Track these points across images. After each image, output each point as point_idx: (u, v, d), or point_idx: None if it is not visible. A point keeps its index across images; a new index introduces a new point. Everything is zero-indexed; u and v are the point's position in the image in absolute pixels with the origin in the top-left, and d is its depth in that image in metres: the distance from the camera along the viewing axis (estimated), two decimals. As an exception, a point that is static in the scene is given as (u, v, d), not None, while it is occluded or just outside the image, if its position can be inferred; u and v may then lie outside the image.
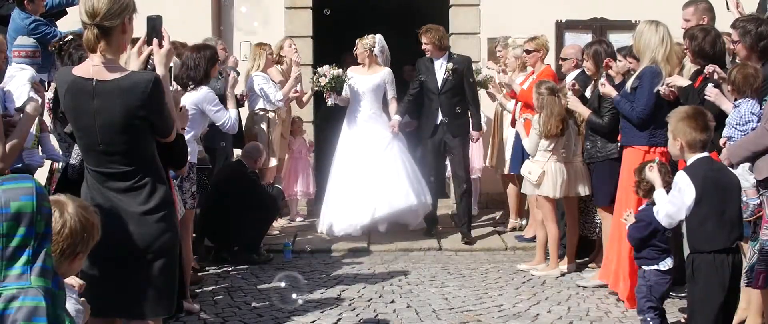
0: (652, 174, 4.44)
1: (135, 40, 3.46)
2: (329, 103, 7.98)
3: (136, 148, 3.28)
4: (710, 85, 4.91)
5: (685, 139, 4.02)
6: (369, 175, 7.71)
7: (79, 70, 3.27)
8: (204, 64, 5.75)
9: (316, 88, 7.88)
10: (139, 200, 3.27)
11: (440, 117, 7.66)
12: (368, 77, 7.98)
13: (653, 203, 4.57)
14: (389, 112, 8.06)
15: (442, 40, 7.69)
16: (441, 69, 7.65)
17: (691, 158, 4.05)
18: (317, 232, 7.99)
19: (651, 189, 4.60)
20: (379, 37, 7.99)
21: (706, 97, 4.90)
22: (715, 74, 4.91)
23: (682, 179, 3.99)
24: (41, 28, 6.72)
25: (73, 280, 2.74)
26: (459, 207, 7.86)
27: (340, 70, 7.83)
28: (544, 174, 6.37)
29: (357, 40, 7.97)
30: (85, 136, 3.31)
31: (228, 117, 5.93)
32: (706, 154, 4.05)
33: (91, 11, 3.14)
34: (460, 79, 7.61)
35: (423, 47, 7.66)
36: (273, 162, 7.87)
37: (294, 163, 8.73)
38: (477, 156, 8.50)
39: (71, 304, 2.51)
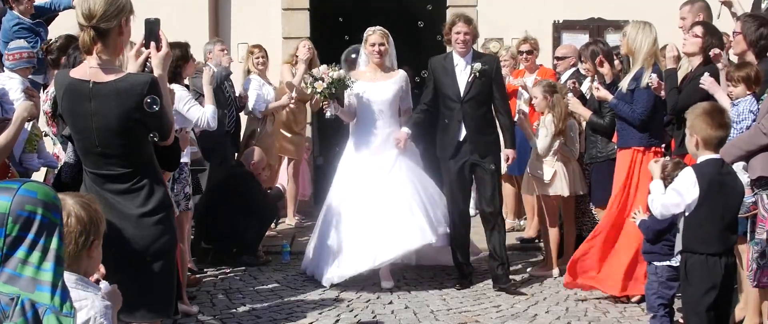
0: (655, 166, 4.39)
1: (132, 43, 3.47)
2: (328, 114, 6.37)
3: (134, 151, 3.28)
4: (706, 74, 4.94)
5: (701, 135, 3.99)
6: (370, 210, 6.11)
7: (76, 72, 3.27)
8: (173, 62, 5.57)
9: (315, 95, 6.24)
10: (137, 202, 3.27)
11: (464, 132, 6.09)
12: (384, 85, 6.26)
13: None
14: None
15: (477, 33, 6.31)
16: (465, 70, 6.06)
17: (702, 157, 4.02)
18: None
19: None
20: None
21: (700, 85, 4.92)
22: (720, 59, 4.94)
23: (688, 176, 3.97)
24: (22, 34, 6.73)
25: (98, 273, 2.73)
26: (490, 246, 6.22)
27: (342, 71, 6.19)
28: (556, 174, 6.37)
29: (368, 33, 6.31)
30: (82, 139, 3.32)
31: (201, 113, 5.65)
32: (717, 156, 4.03)
33: (87, 13, 3.14)
34: (488, 84, 6.05)
35: (459, 39, 6.02)
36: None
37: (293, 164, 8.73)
38: None
39: (99, 302, 2.50)
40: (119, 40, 3.24)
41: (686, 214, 4.00)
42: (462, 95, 6.03)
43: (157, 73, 3.35)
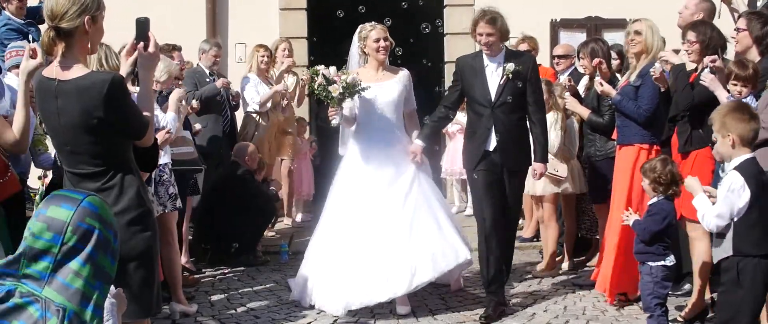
0: (693, 182, 4.26)
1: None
2: (335, 122, 5.63)
3: (103, 149, 3.25)
4: (706, 70, 4.94)
5: (737, 132, 3.91)
6: (393, 228, 5.46)
7: (46, 71, 3.28)
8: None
9: (326, 101, 5.56)
10: (108, 202, 3.21)
11: (494, 141, 5.42)
12: (388, 84, 5.62)
13: (669, 198, 4.69)
14: (408, 130, 5.85)
15: (507, 31, 5.53)
16: (497, 71, 5.40)
17: (739, 158, 3.93)
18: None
19: (669, 184, 4.67)
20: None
21: (701, 82, 4.92)
22: (715, 63, 4.94)
23: (736, 180, 3.89)
24: (11, 35, 6.74)
25: None
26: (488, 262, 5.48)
27: (355, 75, 5.47)
28: (569, 171, 6.37)
29: (368, 29, 5.67)
30: (54, 137, 3.35)
31: (161, 119, 5.30)
32: (752, 154, 3.98)
33: (50, 13, 3.15)
34: (522, 87, 5.39)
35: (482, 41, 5.41)
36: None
37: (297, 164, 8.75)
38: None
39: (107, 301, 2.53)
40: (86, 38, 3.21)
41: (735, 218, 3.92)
42: (493, 100, 5.37)
43: (141, 73, 3.34)
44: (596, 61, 6.01)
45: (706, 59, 4.99)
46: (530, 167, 5.58)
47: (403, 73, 5.72)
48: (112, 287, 2.65)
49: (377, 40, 5.60)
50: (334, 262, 5.49)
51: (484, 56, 5.45)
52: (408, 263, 5.31)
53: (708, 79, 4.88)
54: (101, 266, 2.07)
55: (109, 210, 2.11)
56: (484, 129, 5.42)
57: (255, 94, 7.80)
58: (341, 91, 5.37)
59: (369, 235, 5.44)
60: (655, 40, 5.46)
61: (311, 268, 5.63)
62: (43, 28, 7.24)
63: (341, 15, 6.84)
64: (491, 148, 5.39)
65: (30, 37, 7.02)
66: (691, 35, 5.20)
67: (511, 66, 5.33)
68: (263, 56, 7.95)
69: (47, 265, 2.00)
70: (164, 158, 5.39)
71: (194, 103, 6.53)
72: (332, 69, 5.49)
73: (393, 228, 5.43)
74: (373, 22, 5.71)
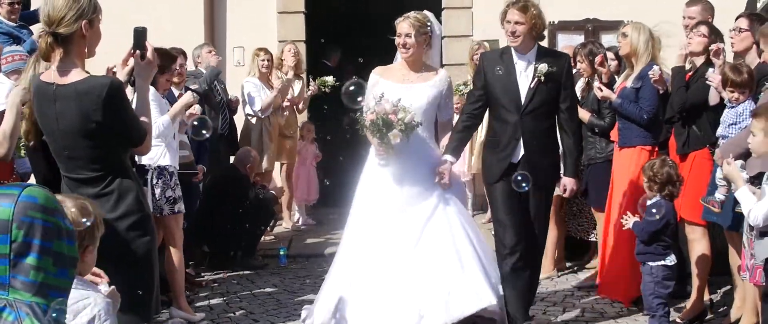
0: (733, 171, 4.15)
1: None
2: (383, 163, 4.81)
3: (101, 154, 3.26)
4: (711, 70, 4.96)
5: None
6: (411, 260, 4.75)
7: (44, 75, 3.29)
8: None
9: (381, 145, 4.64)
10: (107, 207, 3.24)
11: (521, 152, 4.72)
12: (416, 88, 4.82)
13: (669, 197, 4.69)
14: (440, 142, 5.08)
15: (541, 24, 4.78)
16: (527, 72, 4.70)
17: None
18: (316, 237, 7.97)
19: (665, 183, 4.67)
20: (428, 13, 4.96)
21: (708, 82, 4.94)
22: (721, 53, 4.97)
23: None
24: (0, 38, 6.73)
25: (93, 277, 2.75)
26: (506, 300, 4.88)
27: (409, 113, 4.57)
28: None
29: (398, 22, 4.86)
30: (52, 142, 3.35)
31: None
32: None
33: (47, 19, 3.16)
34: (555, 91, 4.71)
35: (508, 30, 4.68)
36: (265, 165, 7.87)
37: (299, 168, 8.74)
38: (460, 161, 8.46)
39: (101, 299, 2.54)
40: (83, 43, 3.22)
41: None
42: (523, 105, 4.69)
43: (138, 81, 3.35)
44: (599, 57, 5.99)
45: (712, 46, 5.01)
46: (560, 181, 4.98)
47: (439, 77, 4.91)
48: (107, 286, 2.66)
49: (399, 35, 4.80)
50: (346, 292, 4.80)
51: (514, 53, 4.72)
52: (416, 304, 4.61)
53: (715, 81, 4.89)
54: (60, 253, 2.04)
55: (51, 196, 2.10)
56: (510, 138, 4.71)
57: (257, 100, 7.80)
58: (401, 136, 4.56)
59: (380, 267, 4.76)
60: (640, 41, 5.46)
61: (334, 295, 4.88)
62: (35, 32, 7.29)
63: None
64: (516, 160, 4.71)
65: (21, 40, 7.00)
66: (704, 29, 5.23)
67: (544, 66, 4.62)
68: (264, 60, 7.95)
69: (5, 268, 1.98)
70: (164, 160, 5.32)
71: (196, 108, 6.42)
72: (387, 104, 4.54)
73: (404, 261, 4.73)
74: (409, 14, 4.86)
